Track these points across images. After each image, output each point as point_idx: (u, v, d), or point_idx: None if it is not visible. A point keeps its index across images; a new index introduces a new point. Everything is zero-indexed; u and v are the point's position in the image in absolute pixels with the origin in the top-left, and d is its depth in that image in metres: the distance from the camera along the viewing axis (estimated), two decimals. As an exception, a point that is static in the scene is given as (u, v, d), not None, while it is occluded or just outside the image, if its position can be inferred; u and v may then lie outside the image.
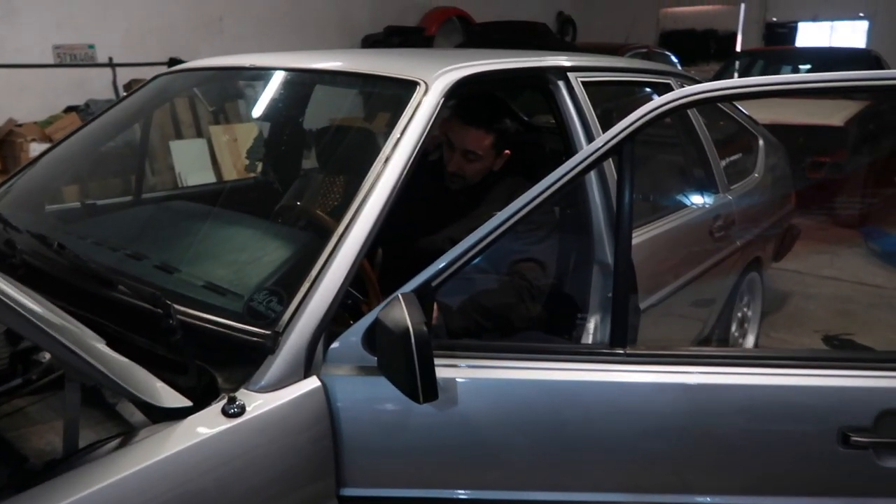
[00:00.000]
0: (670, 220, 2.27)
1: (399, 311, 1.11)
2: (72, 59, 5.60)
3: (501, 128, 2.02)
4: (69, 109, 5.43)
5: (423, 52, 2.31)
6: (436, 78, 1.63)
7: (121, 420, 1.18)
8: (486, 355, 1.27)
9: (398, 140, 1.49)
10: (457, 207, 2.04)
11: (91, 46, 5.70)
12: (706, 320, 2.68)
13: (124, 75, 5.76)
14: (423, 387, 1.07)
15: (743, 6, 11.79)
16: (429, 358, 1.06)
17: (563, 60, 2.05)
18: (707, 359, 1.26)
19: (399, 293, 1.20)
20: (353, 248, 1.33)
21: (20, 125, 5.12)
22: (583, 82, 2.02)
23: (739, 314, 2.99)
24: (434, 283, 1.26)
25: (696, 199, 2.55)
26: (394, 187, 1.42)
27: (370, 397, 1.24)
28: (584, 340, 1.75)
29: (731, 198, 2.62)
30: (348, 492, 1.26)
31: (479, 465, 1.26)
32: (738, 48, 11.29)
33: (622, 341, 1.25)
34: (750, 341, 3.13)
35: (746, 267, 2.85)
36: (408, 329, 1.06)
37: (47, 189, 2.28)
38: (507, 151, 2.05)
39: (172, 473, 1.04)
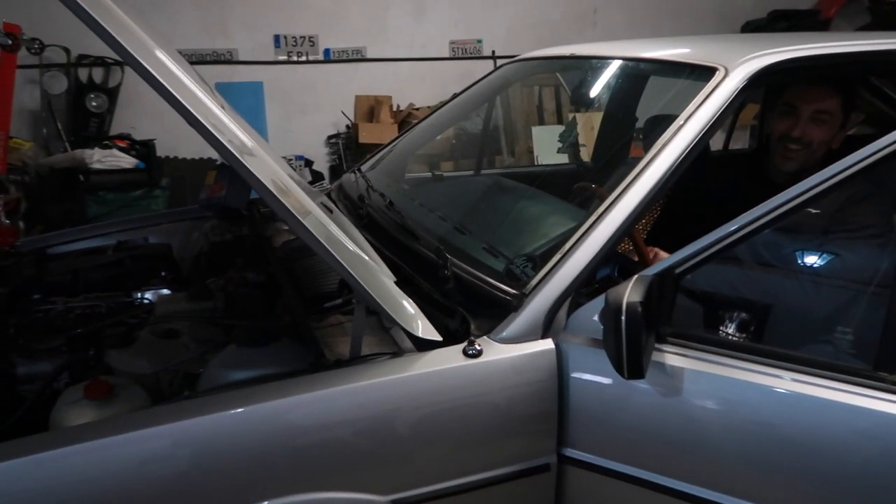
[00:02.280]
0: None
1: (623, 288, 1.14)
2: (463, 52, 6.45)
3: (849, 90, 1.85)
4: (454, 96, 6.29)
5: (749, 37, 2.16)
6: (739, 64, 1.55)
7: (396, 345, 1.46)
8: (722, 351, 1.22)
9: (680, 126, 1.48)
10: None
11: (479, 41, 6.48)
12: None
13: (503, 66, 6.43)
14: (628, 363, 1.10)
15: None
16: (637, 335, 1.08)
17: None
18: None
19: (639, 274, 1.23)
20: (609, 229, 1.39)
21: (417, 108, 6.12)
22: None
23: None
24: (678, 270, 1.25)
25: None
26: (665, 174, 1.43)
27: (599, 369, 1.30)
28: None
29: None
30: (569, 452, 1.35)
31: (694, 461, 1.22)
32: None
33: (891, 366, 1.07)
34: None
35: None
36: (621, 305, 1.10)
37: (407, 159, 2.78)
38: (855, 115, 1.85)
39: (411, 391, 1.28)
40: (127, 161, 4.68)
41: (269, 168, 1.45)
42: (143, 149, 4.84)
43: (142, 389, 1.41)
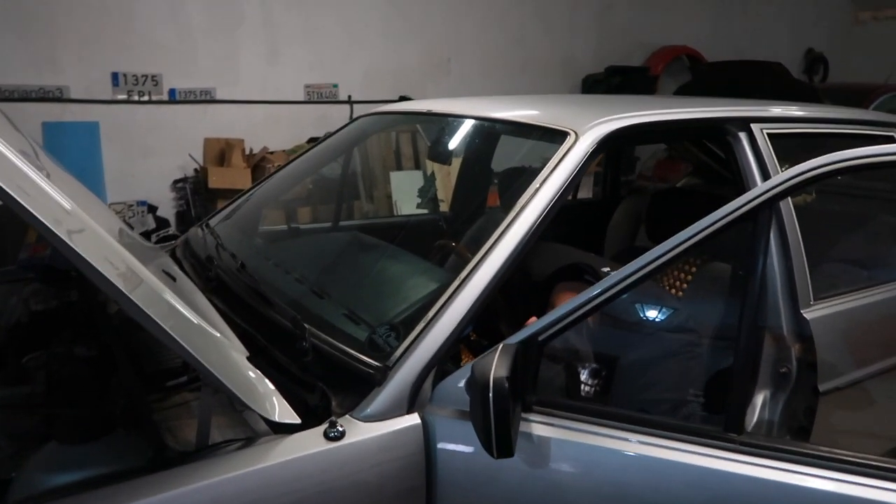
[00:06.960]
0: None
1: (489, 361, 1.12)
2: (318, 96, 6.38)
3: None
4: (311, 140, 6.19)
5: (592, 100, 2.29)
6: (588, 129, 1.62)
7: (249, 427, 1.33)
8: (585, 418, 1.22)
9: (537, 189, 1.51)
10: None
11: (335, 85, 6.45)
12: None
13: (360, 110, 6.41)
14: (496, 441, 1.07)
15: None
16: (504, 412, 1.06)
17: (744, 110, 1.90)
18: (850, 465, 1.08)
19: (503, 343, 1.21)
20: (473, 294, 1.36)
21: (272, 152, 5.93)
22: (769, 134, 1.86)
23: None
24: (541, 338, 1.25)
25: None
26: (525, 236, 1.44)
27: (467, 440, 1.25)
28: (749, 419, 1.59)
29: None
30: (438, 531, 1.28)
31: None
32: None
33: (737, 426, 1.12)
34: None
35: None
36: (488, 380, 1.07)
37: (261, 212, 2.63)
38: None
39: (269, 482, 1.16)
40: (-69, 209, 4.10)
41: (93, 235, 1.27)
42: (-49, 195, 4.27)
43: (-67, 504, 1.18)
